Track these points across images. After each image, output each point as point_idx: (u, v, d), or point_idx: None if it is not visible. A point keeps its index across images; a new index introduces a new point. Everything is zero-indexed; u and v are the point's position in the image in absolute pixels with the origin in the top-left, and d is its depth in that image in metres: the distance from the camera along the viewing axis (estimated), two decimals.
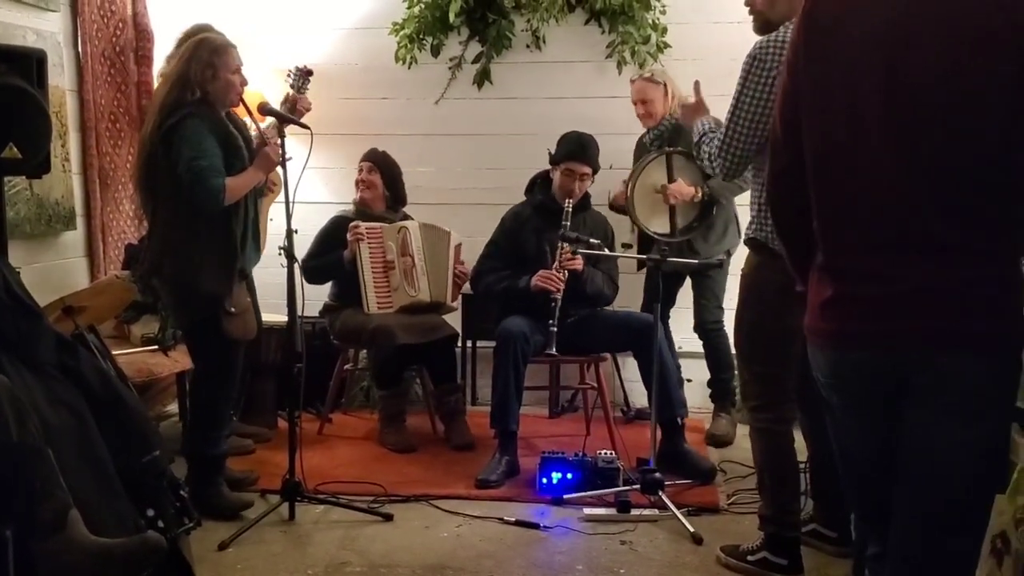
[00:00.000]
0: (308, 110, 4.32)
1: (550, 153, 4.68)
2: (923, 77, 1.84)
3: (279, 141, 3.76)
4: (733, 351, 4.93)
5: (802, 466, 3.90)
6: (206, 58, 3.69)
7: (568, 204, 4.50)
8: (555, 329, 4.35)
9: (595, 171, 4.64)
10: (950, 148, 1.84)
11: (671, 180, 4.55)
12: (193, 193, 3.60)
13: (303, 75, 4.38)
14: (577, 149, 4.59)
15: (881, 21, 1.89)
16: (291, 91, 4.36)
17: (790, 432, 3.27)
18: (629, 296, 5.07)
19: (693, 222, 4.64)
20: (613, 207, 4.98)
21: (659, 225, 4.59)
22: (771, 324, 3.11)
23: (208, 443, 3.82)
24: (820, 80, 1.98)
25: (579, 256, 4.44)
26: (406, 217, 5.09)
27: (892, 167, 1.89)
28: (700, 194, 4.57)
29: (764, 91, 3.04)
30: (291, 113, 4.12)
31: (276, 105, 4.17)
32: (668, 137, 4.82)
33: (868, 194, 1.93)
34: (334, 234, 4.92)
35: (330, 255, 4.88)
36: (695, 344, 5.10)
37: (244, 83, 3.84)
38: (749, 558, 3.33)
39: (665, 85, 4.85)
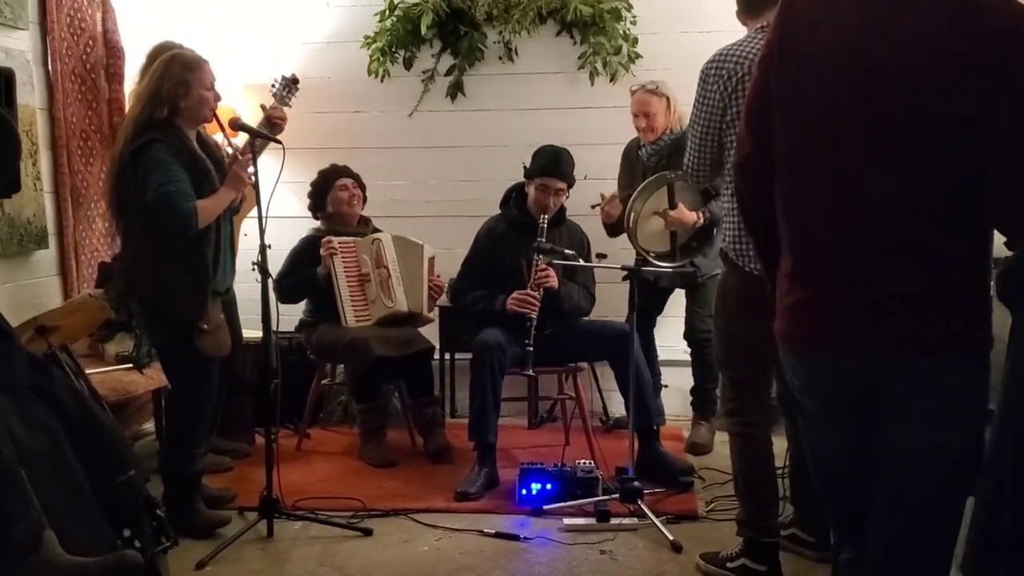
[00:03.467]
0: (283, 120, 4.19)
1: (525, 167, 4.68)
2: (895, 81, 1.86)
3: (250, 157, 3.75)
4: None
5: (781, 471, 3.93)
6: (178, 74, 3.68)
7: (543, 219, 4.50)
8: (531, 349, 4.35)
9: (570, 185, 4.64)
10: (922, 152, 1.86)
11: (672, 206, 4.51)
12: (165, 218, 3.57)
13: (288, 84, 4.29)
14: (552, 164, 4.58)
15: (854, 25, 1.91)
16: (273, 101, 4.27)
17: (765, 437, 3.28)
18: (613, 306, 5.07)
19: (692, 242, 4.62)
20: (607, 224, 4.93)
21: (660, 247, 4.55)
22: (737, 330, 3.21)
23: (184, 461, 3.80)
24: (793, 82, 1.99)
25: (553, 275, 4.44)
26: (376, 231, 5.09)
27: (865, 171, 1.90)
28: (702, 219, 4.54)
29: (707, 106, 3.19)
30: (268, 125, 4.08)
31: (251, 120, 4.14)
32: (668, 154, 4.75)
33: (840, 198, 1.94)
34: (306, 253, 4.92)
35: (302, 273, 4.87)
36: (676, 352, 5.12)
37: (218, 98, 3.83)
38: (729, 565, 3.33)
39: (668, 98, 4.79)
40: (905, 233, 1.89)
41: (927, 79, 1.84)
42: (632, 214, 4.47)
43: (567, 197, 4.67)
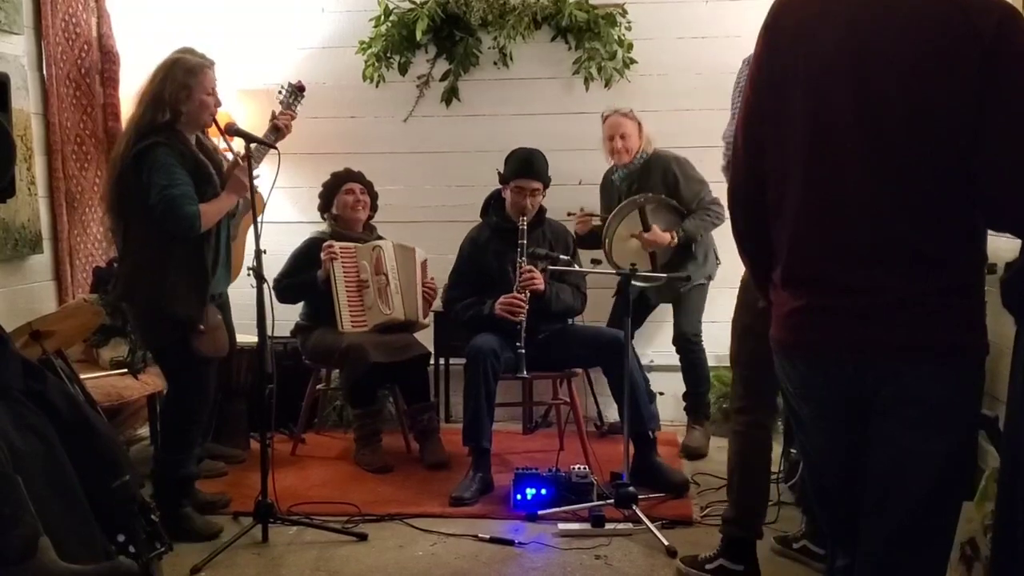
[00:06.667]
0: (287, 126, 4.12)
1: (499, 172, 4.69)
2: (889, 85, 1.85)
3: (244, 163, 3.75)
4: (710, 364, 5.03)
5: (776, 475, 3.94)
6: (181, 78, 3.68)
7: (522, 222, 4.51)
8: (523, 351, 4.34)
9: (546, 185, 4.64)
10: (916, 156, 1.85)
11: (647, 227, 4.59)
12: (167, 221, 3.58)
13: (294, 91, 4.24)
14: (524, 166, 4.59)
15: (845, 31, 1.90)
16: (279, 108, 4.20)
17: (766, 438, 3.30)
18: (602, 311, 5.09)
19: (673, 259, 4.68)
20: (579, 236, 5.00)
21: (640, 268, 4.58)
22: (752, 327, 3.14)
23: (177, 463, 3.80)
24: (785, 92, 1.98)
25: (538, 277, 4.45)
26: (379, 237, 5.10)
27: (860, 177, 1.89)
28: (675, 239, 4.64)
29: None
30: (274, 131, 4.07)
31: (248, 124, 4.13)
32: (638, 177, 4.88)
33: (835, 205, 1.93)
34: (308, 254, 4.92)
35: (302, 274, 4.88)
36: (669, 358, 5.12)
37: (218, 104, 3.83)
38: (707, 567, 3.36)
39: (639, 122, 4.91)
40: (899, 239, 1.88)
41: (919, 82, 1.83)
42: (607, 240, 4.58)
43: (543, 196, 4.68)
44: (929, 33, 1.83)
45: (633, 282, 4.11)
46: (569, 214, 4.99)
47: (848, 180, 1.91)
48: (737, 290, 3.35)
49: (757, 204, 2.10)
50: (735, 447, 3.35)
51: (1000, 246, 2.00)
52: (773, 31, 2.03)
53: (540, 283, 4.48)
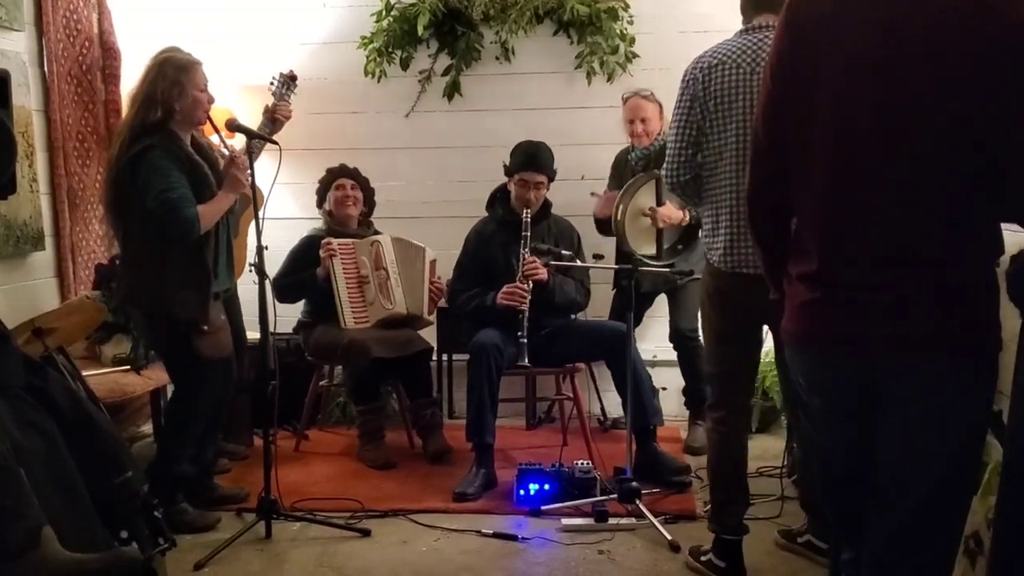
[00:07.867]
0: (288, 118, 4.19)
1: (505, 165, 4.68)
2: (909, 81, 1.84)
3: (246, 159, 3.74)
4: None
5: (780, 471, 3.92)
6: (172, 75, 3.67)
7: (526, 214, 4.50)
8: (525, 340, 4.34)
9: (550, 178, 4.63)
10: (935, 155, 1.84)
11: (659, 203, 4.56)
12: (167, 225, 3.57)
13: (286, 81, 4.25)
14: (529, 159, 4.58)
15: (867, 27, 1.88)
16: (273, 100, 4.22)
17: (735, 437, 3.32)
18: (602, 306, 5.08)
19: (678, 244, 4.65)
20: (598, 219, 4.98)
21: (646, 248, 4.58)
22: (712, 326, 3.30)
23: (174, 459, 3.80)
24: (808, 88, 1.96)
25: (540, 266, 4.44)
26: (376, 232, 5.09)
27: (876, 175, 1.88)
28: (688, 218, 4.58)
29: (678, 110, 3.24)
30: (271, 123, 4.07)
31: (247, 121, 4.13)
32: (655, 158, 4.81)
33: (852, 202, 1.92)
34: (306, 253, 4.92)
35: (302, 273, 4.87)
36: (671, 353, 5.11)
37: (211, 100, 3.82)
38: (702, 558, 3.41)
39: (660, 105, 4.88)
40: (915, 235, 1.88)
41: (941, 78, 1.81)
42: (620, 207, 4.50)
43: (548, 190, 4.66)
44: (953, 31, 1.81)
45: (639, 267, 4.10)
46: (592, 194, 4.98)
47: (865, 178, 1.90)
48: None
49: (777, 200, 2.09)
50: (708, 444, 3.41)
51: (1004, 239, 1.98)
52: (794, 25, 2.00)
53: (543, 272, 4.47)
